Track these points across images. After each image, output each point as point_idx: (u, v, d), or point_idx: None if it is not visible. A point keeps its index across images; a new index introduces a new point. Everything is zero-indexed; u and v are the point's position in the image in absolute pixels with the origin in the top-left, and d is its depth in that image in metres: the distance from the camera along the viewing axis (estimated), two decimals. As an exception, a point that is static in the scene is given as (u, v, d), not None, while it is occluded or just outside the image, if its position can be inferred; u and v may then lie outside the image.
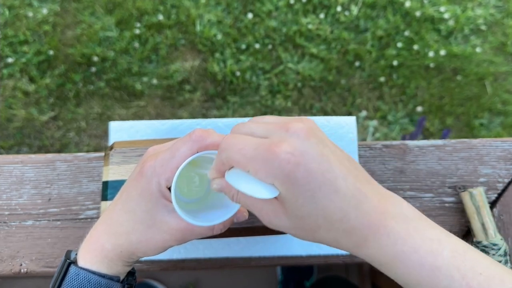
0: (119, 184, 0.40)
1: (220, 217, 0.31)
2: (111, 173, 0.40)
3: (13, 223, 0.49)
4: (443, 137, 1.05)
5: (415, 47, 1.49)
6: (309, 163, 0.24)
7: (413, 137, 1.07)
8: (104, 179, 0.40)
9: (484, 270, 0.24)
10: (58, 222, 0.49)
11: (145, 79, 1.44)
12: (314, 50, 1.48)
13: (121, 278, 0.33)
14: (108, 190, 0.40)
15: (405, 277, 0.25)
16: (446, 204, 0.50)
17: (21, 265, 0.48)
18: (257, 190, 0.25)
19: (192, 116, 1.42)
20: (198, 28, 1.49)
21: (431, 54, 1.48)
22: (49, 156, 0.51)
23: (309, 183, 0.24)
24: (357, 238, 0.26)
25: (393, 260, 0.25)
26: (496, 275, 0.24)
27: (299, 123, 0.26)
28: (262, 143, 0.25)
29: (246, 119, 0.50)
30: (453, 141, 0.52)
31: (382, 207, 0.25)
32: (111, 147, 0.41)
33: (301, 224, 0.26)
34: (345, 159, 0.27)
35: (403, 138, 0.97)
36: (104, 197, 0.40)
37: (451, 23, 1.52)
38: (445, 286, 0.24)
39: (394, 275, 0.26)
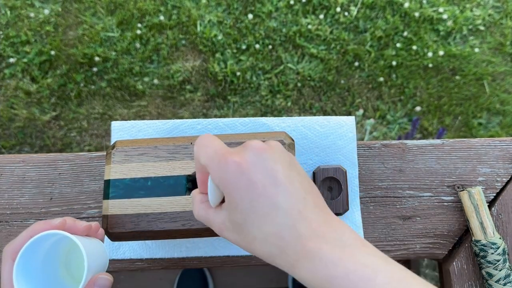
0: (121, 182, 0.40)
1: None
2: (113, 172, 0.40)
3: (14, 222, 0.49)
4: (438, 136, 1.05)
5: (414, 47, 1.49)
6: (254, 174, 0.26)
7: (408, 137, 1.08)
8: (106, 177, 0.41)
9: None
10: (60, 221, 0.49)
11: (146, 79, 1.45)
12: (314, 51, 1.48)
13: None
14: (110, 188, 0.40)
15: None
16: (445, 203, 0.50)
17: (23, 263, 0.48)
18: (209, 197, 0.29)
19: (193, 116, 1.43)
20: (199, 28, 1.50)
21: (429, 54, 1.48)
22: (51, 155, 0.51)
23: (249, 192, 0.26)
24: (290, 258, 0.26)
25: (325, 284, 0.24)
26: None
27: (259, 142, 0.28)
28: (222, 148, 0.28)
29: (246, 119, 0.50)
30: (451, 140, 0.52)
31: (319, 231, 0.26)
32: (113, 146, 0.42)
33: (241, 232, 0.27)
34: (299, 182, 0.27)
35: (399, 139, 0.98)
36: (106, 196, 0.40)
37: (449, 23, 1.53)
38: None
39: None
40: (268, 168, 0.26)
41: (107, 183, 0.40)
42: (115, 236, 0.40)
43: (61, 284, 0.35)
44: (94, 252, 0.34)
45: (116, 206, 0.40)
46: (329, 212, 0.28)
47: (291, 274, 0.26)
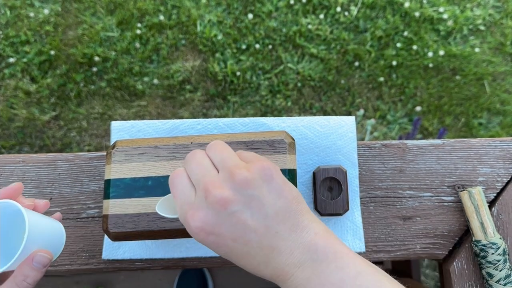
0: (121, 182, 0.40)
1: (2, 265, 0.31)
2: (113, 171, 0.40)
3: (15, 222, 0.49)
4: (439, 136, 1.05)
5: (414, 47, 1.49)
6: (220, 232, 0.27)
7: (409, 137, 1.08)
8: (106, 177, 0.41)
9: None
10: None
11: (146, 79, 1.45)
12: (314, 50, 1.48)
13: None
14: (110, 188, 0.40)
15: None
16: (445, 204, 0.50)
17: (23, 263, 0.48)
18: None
19: (193, 116, 1.43)
20: (198, 28, 1.50)
21: (430, 54, 1.48)
22: (51, 155, 0.51)
23: (221, 246, 0.28)
24: (271, 280, 0.29)
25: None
26: None
27: (221, 188, 0.27)
28: (186, 204, 0.29)
29: (246, 119, 0.50)
30: (452, 140, 0.52)
31: (292, 258, 0.28)
32: (114, 146, 0.42)
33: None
34: (273, 215, 0.28)
35: (400, 139, 0.98)
36: (106, 196, 0.40)
37: (450, 23, 1.53)
38: None
39: None
40: (233, 223, 0.27)
41: (108, 182, 0.40)
42: (115, 236, 0.40)
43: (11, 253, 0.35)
44: (44, 229, 0.34)
45: (116, 206, 0.40)
46: (301, 225, 0.29)
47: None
